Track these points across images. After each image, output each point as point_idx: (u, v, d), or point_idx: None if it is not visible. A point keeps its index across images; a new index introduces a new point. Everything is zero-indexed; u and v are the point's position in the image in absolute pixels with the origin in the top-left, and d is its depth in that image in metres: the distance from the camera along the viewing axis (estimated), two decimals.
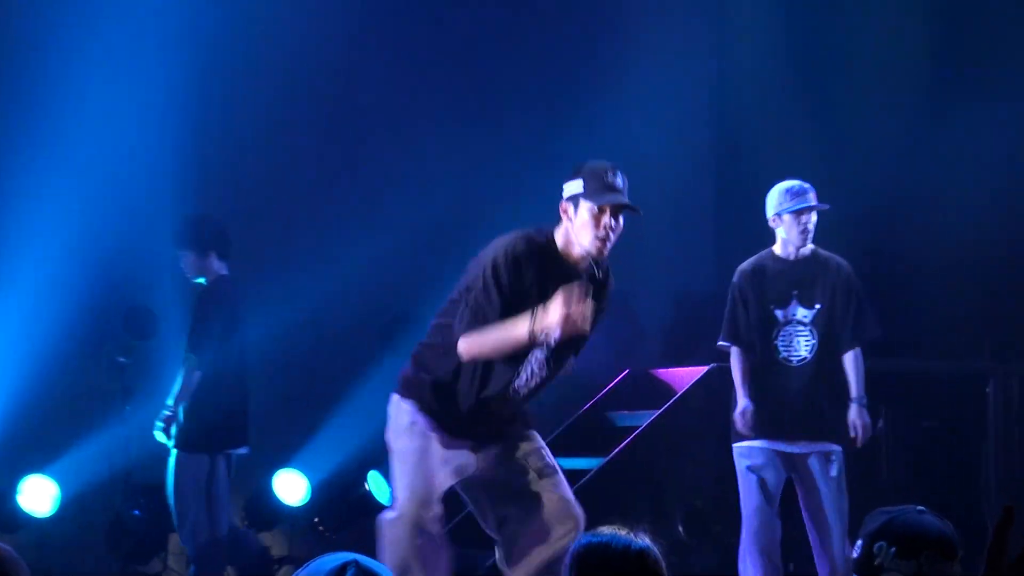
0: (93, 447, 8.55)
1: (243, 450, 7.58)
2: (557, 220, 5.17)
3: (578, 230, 5.04)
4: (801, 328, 6.68)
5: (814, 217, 6.69)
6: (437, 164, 9.57)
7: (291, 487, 8.94)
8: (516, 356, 5.07)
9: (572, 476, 8.09)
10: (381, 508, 8.71)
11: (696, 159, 10.34)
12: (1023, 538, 2.67)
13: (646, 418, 8.58)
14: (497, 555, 5.40)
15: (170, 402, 7.29)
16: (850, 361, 6.69)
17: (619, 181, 5.11)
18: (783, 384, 6.65)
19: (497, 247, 5.04)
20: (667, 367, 9.04)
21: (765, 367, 6.70)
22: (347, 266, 8.98)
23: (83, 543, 8.67)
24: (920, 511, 3.44)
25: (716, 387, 8.29)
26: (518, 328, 4.88)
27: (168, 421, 7.23)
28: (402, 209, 9.32)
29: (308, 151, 9.57)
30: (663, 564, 2.77)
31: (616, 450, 8.41)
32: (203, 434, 7.35)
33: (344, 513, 9.03)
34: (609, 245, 5.07)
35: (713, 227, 10.30)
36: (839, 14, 9.68)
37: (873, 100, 9.45)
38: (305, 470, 8.95)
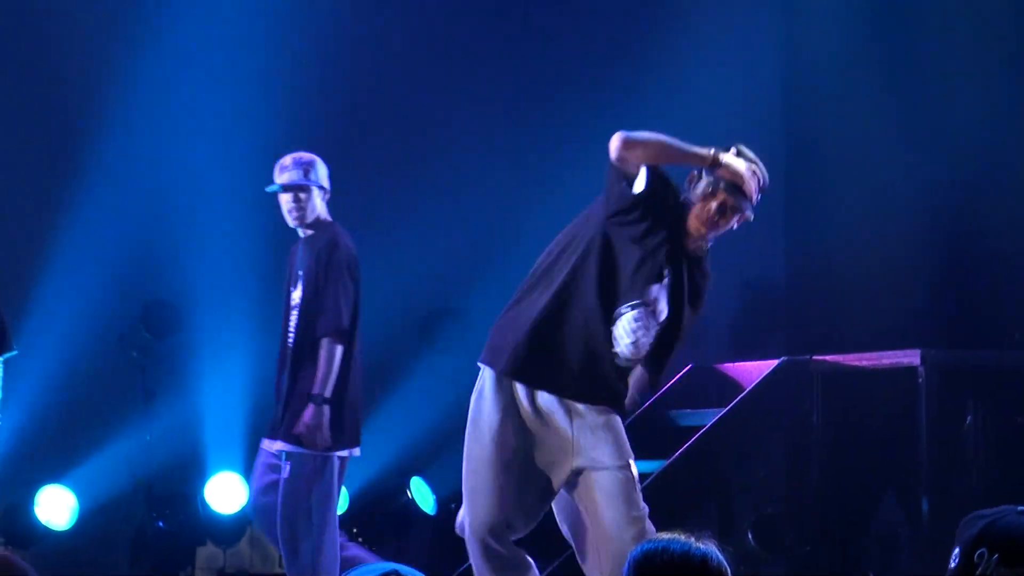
0: (113, 454, 8.69)
1: None
2: None
3: (693, 199, 5.16)
4: (295, 311, 6.57)
5: (293, 197, 6.52)
6: (481, 158, 9.72)
7: None
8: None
9: None
10: (425, 518, 9.01)
11: (765, 148, 10.23)
12: None
13: (711, 416, 8.41)
14: None
15: None
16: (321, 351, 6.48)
17: (753, 185, 5.26)
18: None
19: None
20: (734, 361, 8.93)
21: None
22: (383, 259, 9.06)
23: (103, 557, 8.83)
24: (1021, 512, 3.11)
25: (788, 383, 8.29)
26: (693, 147, 5.11)
27: None
28: (442, 199, 9.47)
29: (347, 147, 9.61)
30: (727, 568, 2.78)
31: (679, 452, 8.24)
32: None
33: (385, 523, 9.10)
34: (710, 236, 5.20)
35: (782, 214, 10.25)
36: None
37: (959, 83, 9.27)
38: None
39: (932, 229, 9.18)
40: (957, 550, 3.13)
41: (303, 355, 6.40)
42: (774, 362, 8.34)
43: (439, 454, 9.05)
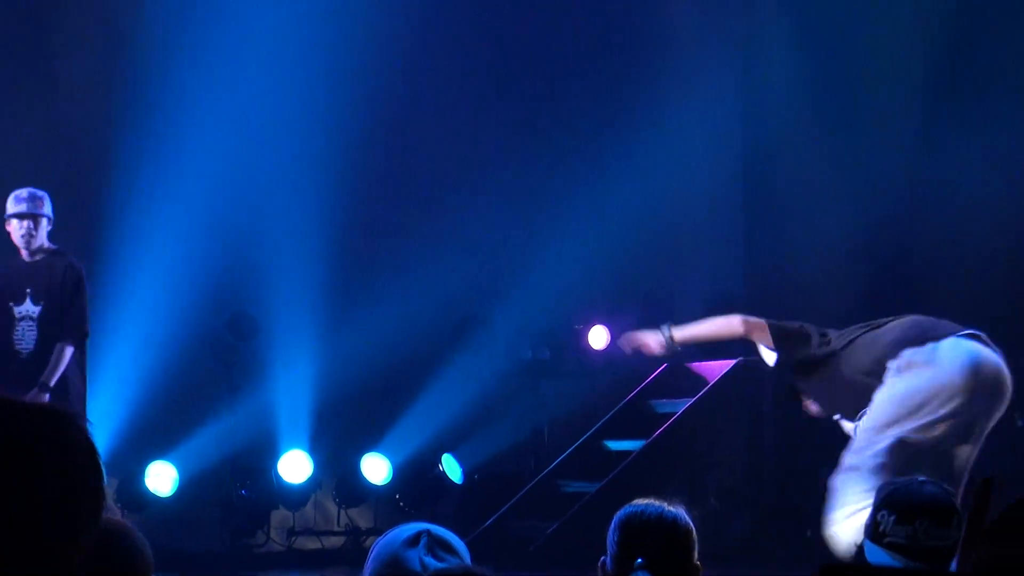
0: (206, 435, 9.02)
1: None
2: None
3: None
4: (31, 323, 6.82)
5: (34, 224, 6.75)
6: (500, 188, 10.12)
7: (376, 468, 9.47)
8: None
9: (618, 456, 8.90)
10: (453, 486, 9.60)
11: (726, 175, 10.76)
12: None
13: (683, 405, 8.94)
14: None
15: None
16: (56, 352, 6.73)
17: None
18: (16, 372, 6.82)
19: None
20: (701, 360, 9.22)
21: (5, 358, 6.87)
22: (422, 277, 9.46)
23: (199, 519, 9.03)
24: (922, 482, 3.39)
25: (744, 377, 8.85)
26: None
27: None
28: (470, 228, 9.87)
29: (389, 174, 10.02)
30: (693, 528, 2.87)
31: (657, 433, 8.80)
32: None
33: (421, 491, 9.57)
34: None
35: (742, 235, 10.71)
36: (849, 53, 10.24)
37: (879, 125, 9.96)
38: (388, 453, 9.46)
39: (864, 249, 9.75)
40: (870, 511, 3.40)
41: (45, 361, 6.67)
42: (732, 361, 8.92)
43: (465, 436, 9.52)
